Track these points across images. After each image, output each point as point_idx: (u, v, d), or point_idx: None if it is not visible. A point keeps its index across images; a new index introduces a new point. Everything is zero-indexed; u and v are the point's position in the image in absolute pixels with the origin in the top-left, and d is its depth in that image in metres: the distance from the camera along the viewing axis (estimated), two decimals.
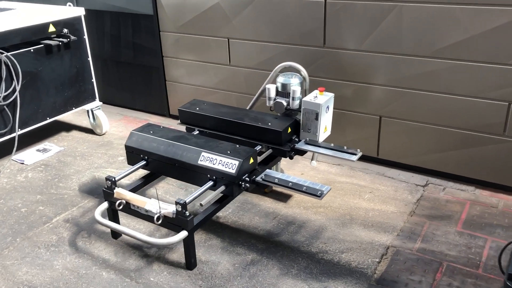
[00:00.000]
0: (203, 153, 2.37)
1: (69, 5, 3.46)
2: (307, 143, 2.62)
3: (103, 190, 2.39)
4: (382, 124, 3.06)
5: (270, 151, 2.63)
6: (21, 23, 3.09)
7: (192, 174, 2.41)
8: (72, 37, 3.38)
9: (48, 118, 3.41)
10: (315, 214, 2.68)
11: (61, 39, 3.32)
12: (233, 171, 2.26)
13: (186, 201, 2.15)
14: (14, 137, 3.16)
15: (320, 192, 2.18)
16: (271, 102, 2.79)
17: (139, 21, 3.88)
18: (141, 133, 2.60)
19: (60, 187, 3.05)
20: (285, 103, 2.74)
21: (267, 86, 2.76)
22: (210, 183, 2.33)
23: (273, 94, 2.77)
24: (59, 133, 3.84)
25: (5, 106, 3.08)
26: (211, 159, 2.34)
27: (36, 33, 3.23)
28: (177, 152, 2.44)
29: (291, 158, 2.65)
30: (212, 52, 3.59)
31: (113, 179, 2.36)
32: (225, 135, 2.75)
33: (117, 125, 3.96)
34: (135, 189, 2.53)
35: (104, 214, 2.40)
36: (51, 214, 2.76)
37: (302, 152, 2.64)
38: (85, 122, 4.03)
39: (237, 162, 2.27)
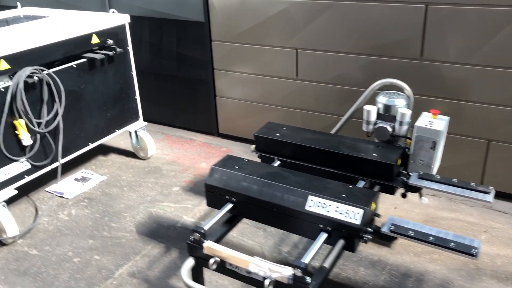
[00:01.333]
0: (311, 197, 1.93)
1: (113, 12, 3.00)
2: (421, 177, 2.19)
3: (188, 244, 1.94)
4: (490, 149, 2.64)
5: (378, 187, 2.20)
6: (62, 34, 2.63)
7: (297, 222, 1.97)
8: (118, 49, 2.91)
9: (90, 144, 2.94)
10: (431, 263, 2.25)
11: (106, 52, 2.86)
12: (357, 222, 1.82)
13: (307, 264, 1.71)
14: (53, 167, 2.72)
15: (474, 250, 1.75)
16: (371, 126, 2.36)
17: (186, 29, 3.42)
18: (225, 169, 2.15)
19: (113, 228, 2.59)
20: (389, 129, 2.31)
21: (366, 108, 2.32)
22: (324, 235, 1.89)
23: (373, 117, 2.34)
24: (95, 158, 3.37)
25: (46, 133, 2.62)
26: (323, 205, 1.90)
27: (79, 45, 2.76)
28: (275, 194, 2.00)
29: (403, 196, 2.22)
30: (276, 64, 3.15)
31: (202, 231, 1.91)
32: (316, 167, 2.31)
33: (160, 147, 3.50)
34: (219, 238, 2.09)
35: (189, 272, 1.96)
36: (111, 266, 2.30)
37: (415, 189, 2.22)
38: (124, 144, 3.56)
39: (361, 211, 1.83)
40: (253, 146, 2.54)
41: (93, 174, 3.16)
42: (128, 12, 3.28)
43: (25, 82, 2.42)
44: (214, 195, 2.17)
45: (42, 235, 2.56)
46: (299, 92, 3.13)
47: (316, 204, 1.91)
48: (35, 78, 2.45)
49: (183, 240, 2.46)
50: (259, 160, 2.50)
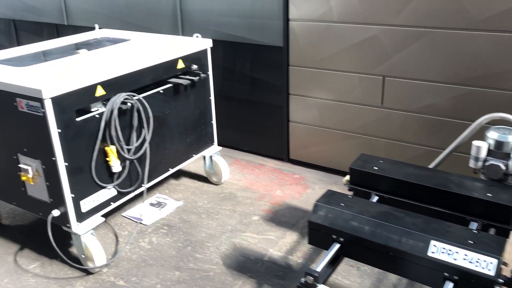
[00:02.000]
0: (433, 242, 1.80)
1: (197, 36, 2.96)
2: None
3: (300, 287, 1.84)
4: None
5: (493, 230, 2.06)
6: (152, 60, 2.59)
7: (417, 268, 1.84)
8: (202, 75, 2.87)
9: (170, 169, 2.89)
10: None
11: (190, 77, 2.82)
12: (491, 272, 1.69)
13: None
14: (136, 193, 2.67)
15: None
16: (480, 163, 2.22)
17: (262, 53, 3.36)
18: (330, 207, 2.05)
19: (198, 260, 2.51)
20: (503, 167, 2.17)
21: (476, 143, 2.19)
22: (450, 284, 1.76)
23: (483, 154, 2.21)
24: (168, 182, 3.32)
25: (134, 160, 2.57)
26: (449, 252, 1.77)
27: (166, 71, 2.72)
28: (391, 237, 1.88)
29: None
30: (358, 91, 3.05)
31: (316, 274, 1.81)
32: (421, 205, 2.19)
33: (231, 171, 3.42)
34: (325, 280, 1.98)
35: None
36: None
37: None
38: (194, 167, 3.50)
39: (495, 261, 1.69)
40: (345, 179, 2.44)
41: (168, 199, 3.10)
42: (202, 35, 3.26)
43: (119, 108, 2.39)
44: (318, 233, 2.06)
45: (127, 264, 2.49)
46: (383, 120, 3.02)
47: (440, 250, 1.78)
48: (129, 104, 2.41)
49: (273, 276, 2.36)
50: (349, 192, 2.40)
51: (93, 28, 4.19)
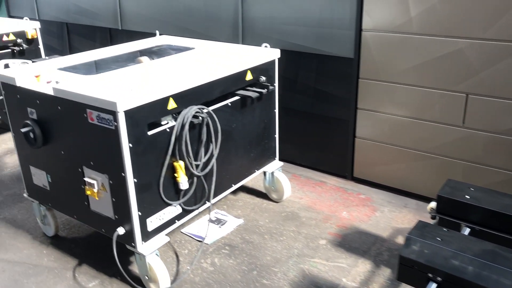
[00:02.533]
0: None
1: (265, 46, 2.82)
2: None
3: None
4: None
5: None
6: (223, 71, 2.46)
7: None
8: (271, 87, 2.72)
9: (233, 185, 2.74)
10: None
11: (259, 90, 2.67)
12: None
13: None
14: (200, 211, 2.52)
15: None
16: None
17: (329, 64, 3.18)
18: (425, 241, 1.84)
19: (266, 287, 2.34)
20: None
21: None
22: None
23: None
24: (225, 197, 3.15)
25: (202, 177, 2.44)
26: None
27: (235, 83, 2.58)
28: (500, 281, 1.67)
29: None
30: (437, 108, 2.81)
31: None
32: None
33: (291, 188, 3.25)
34: None
35: None
36: None
37: None
38: (251, 182, 3.32)
39: None
40: (429, 206, 2.23)
41: (228, 215, 2.95)
42: (257, 44, 3.10)
43: (190, 122, 2.25)
44: (411, 270, 1.85)
45: (190, 287, 2.35)
46: (463, 141, 2.78)
47: None
48: (200, 118, 2.28)
49: None
50: (431, 221, 2.19)
51: (149, 34, 4.11)
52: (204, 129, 2.36)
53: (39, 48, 4.26)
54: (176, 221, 2.39)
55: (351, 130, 3.21)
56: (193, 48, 2.91)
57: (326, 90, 3.26)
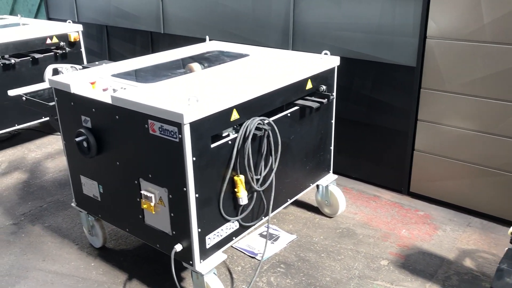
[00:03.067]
0: None
1: (325, 54, 2.68)
2: None
3: None
4: None
5: None
6: (284, 80, 2.32)
7: None
8: (331, 96, 2.58)
9: (288, 200, 2.60)
10: None
11: (319, 99, 2.53)
12: None
13: None
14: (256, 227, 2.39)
15: None
16: None
17: (388, 73, 3.01)
18: None
19: None
20: None
21: None
22: None
23: None
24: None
25: (261, 192, 2.31)
26: None
27: (296, 92, 2.44)
28: None
29: None
30: (509, 122, 2.63)
31: None
32: None
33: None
34: None
35: None
36: None
37: None
38: (301, 195, 3.21)
39: None
40: (511, 231, 2.05)
41: (280, 230, 2.81)
42: (316, 51, 2.95)
43: (253, 135, 2.13)
44: None
45: None
46: None
47: None
48: (262, 130, 2.15)
49: None
50: (510, 245, 2.01)
51: (192, 39, 4.02)
52: (265, 141, 2.23)
53: (81, 52, 4.21)
54: (233, 237, 2.26)
55: (410, 142, 3.04)
56: (248, 55, 2.79)
57: (383, 100, 3.09)
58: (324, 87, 2.57)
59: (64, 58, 4.09)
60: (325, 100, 2.52)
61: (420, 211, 3.00)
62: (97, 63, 2.85)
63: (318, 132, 2.68)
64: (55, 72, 2.96)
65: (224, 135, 2.11)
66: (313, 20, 3.26)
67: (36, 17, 6.15)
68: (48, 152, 4.07)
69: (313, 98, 2.54)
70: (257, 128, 2.14)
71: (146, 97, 2.01)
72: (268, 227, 2.34)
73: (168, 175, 2.01)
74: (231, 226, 2.23)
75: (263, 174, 2.25)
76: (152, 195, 2.10)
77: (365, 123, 3.21)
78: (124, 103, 2.03)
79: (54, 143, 4.28)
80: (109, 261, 2.61)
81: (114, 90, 2.16)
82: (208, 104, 1.93)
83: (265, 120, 2.19)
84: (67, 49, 4.05)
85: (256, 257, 2.57)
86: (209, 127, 1.96)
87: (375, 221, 2.90)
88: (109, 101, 2.10)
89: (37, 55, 3.88)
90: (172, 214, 2.07)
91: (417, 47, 2.82)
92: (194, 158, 1.92)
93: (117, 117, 2.10)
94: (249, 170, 2.15)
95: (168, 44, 4.42)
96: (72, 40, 4.08)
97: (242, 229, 2.30)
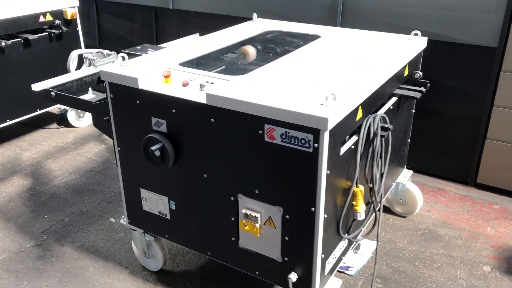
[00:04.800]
0: None
1: (415, 34, 2.33)
2: None
3: None
4: None
5: None
6: (391, 68, 1.95)
7: None
8: (428, 84, 2.24)
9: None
10: None
11: (417, 88, 2.18)
12: None
13: None
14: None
15: None
16: None
17: (460, 54, 2.69)
18: None
19: None
20: None
21: None
22: None
23: None
24: None
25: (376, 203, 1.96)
26: None
27: (396, 81, 2.09)
28: None
29: None
30: None
31: None
32: None
33: None
34: None
35: None
36: None
37: None
38: None
39: None
40: None
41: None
42: (371, 29, 2.59)
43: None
44: None
45: None
46: None
47: None
48: (387, 129, 1.79)
49: None
50: None
51: (207, 15, 3.51)
52: (379, 142, 1.87)
53: (77, 31, 3.59)
54: (342, 257, 1.92)
55: (482, 130, 2.79)
56: (319, 36, 2.39)
57: (452, 84, 2.80)
58: (420, 73, 2.23)
59: (59, 39, 3.46)
60: (423, 89, 2.19)
61: (495, 204, 2.78)
62: (138, 47, 2.34)
63: (404, 124, 2.36)
64: (83, 60, 2.42)
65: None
66: None
67: None
68: (46, 151, 3.48)
69: (409, 87, 2.20)
70: (384, 129, 1.78)
71: (258, 95, 1.58)
72: (378, 241, 2.01)
73: (286, 192, 1.61)
74: (343, 245, 1.88)
75: (380, 182, 1.90)
76: (258, 215, 1.70)
77: (426, 109, 2.91)
78: (227, 103, 1.59)
79: (48, 138, 3.67)
80: (170, 284, 2.19)
81: (202, 86, 1.71)
82: (344, 103, 1.54)
83: (384, 117, 1.83)
84: (64, 28, 3.43)
85: (346, 272, 2.25)
86: (341, 132, 1.58)
87: (454, 219, 2.65)
88: (199, 99, 1.65)
89: (30, 36, 3.24)
90: (286, 238, 1.68)
91: (501, 25, 2.54)
92: (328, 172, 1.54)
93: (212, 120, 1.66)
94: (370, 180, 1.81)
95: (178, 22, 3.88)
96: (69, 17, 3.45)
97: (348, 246, 1.96)
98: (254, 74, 1.81)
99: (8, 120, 3.27)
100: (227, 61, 2.32)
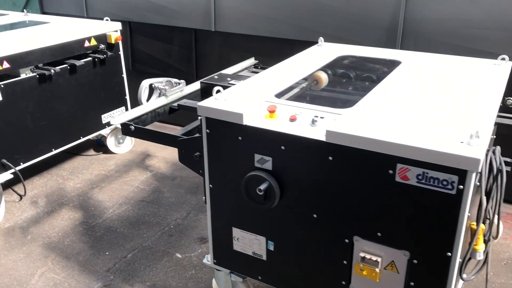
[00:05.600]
0: None
1: (503, 59, 2.24)
2: None
3: None
4: None
5: None
6: (493, 97, 1.85)
7: None
8: None
9: None
10: None
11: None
12: None
13: None
14: None
15: None
16: None
17: None
18: None
19: None
20: None
21: None
22: None
23: None
24: None
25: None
26: None
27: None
28: None
29: None
30: None
31: None
32: None
33: None
34: None
35: None
36: None
37: None
38: None
39: None
40: None
41: None
42: (434, 51, 2.50)
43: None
44: None
45: None
46: None
47: None
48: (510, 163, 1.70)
49: None
50: None
51: (255, 37, 3.38)
52: (504, 179, 1.76)
53: (119, 55, 3.49)
54: None
55: None
56: (400, 62, 2.30)
57: None
58: (511, 99, 2.15)
59: (102, 64, 3.35)
60: None
61: None
62: (216, 76, 2.24)
63: None
64: (153, 89, 2.31)
65: None
66: (433, 16, 2.81)
67: (23, 11, 5.20)
68: (89, 179, 3.34)
69: (504, 114, 2.11)
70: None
71: (387, 132, 1.47)
72: (487, 279, 1.89)
73: (417, 235, 1.50)
74: (460, 286, 1.77)
75: (492, 218, 1.80)
76: (379, 259, 1.59)
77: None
78: (351, 141, 1.48)
79: (89, 166, 3.54)
80: None
81: (314, 121, 1.61)
82: (484, 140, 1.44)
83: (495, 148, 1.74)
84: (109, 53, 3.32)
85: None
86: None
87: None
88: (313, 136, 1.55)
89: (77, 62, 3.13)
90: (411, 283, 1.57)
91: None
92: (469, 214, 1.44)
93: (330, 158, 1.55)
94: (493, 216, 1.70)
95: (219, 44, 3.79)
96: (113, 41, 3.35)
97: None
98: (364, 106, 1.70)
99: (53, 150, 3.13)
100: (302, 89, 2.23)
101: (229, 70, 2.65)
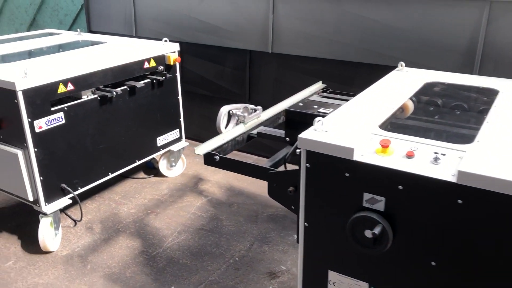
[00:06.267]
0: None
1: None
2: None
3: None
4: None
5: None
6: None
7: None
8: None
9: None
10: None
11: None
12: None
13: None
14: None
15: None
16: None
17: None
18: None
19: None
20: None
21: None
22: None
23: None
24: None
25: None
26: None
27: None
28: None
29: None
30: None
31: None
32: None
33: None
34: None
35: None
36: None
37: None
38: None
39: None
40: None
41: None
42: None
43: None
44: None
45: None
46: None
47: None
48: None
49: None
50: None
51: (317, 60, 3.23)
52: None
53: (176, 77, 3.40)
54: None
55: None
56: (497, 90, 2.12)
57: None
58: None
59: (160, 86, 3.27)
60: None
61: None
62: (301, 104, 2.11)
63: None
64: (231, 117, 2.19)
65: None
66: None
67: (70, 30, 5.20)
68: (143, 204, 3.23)
69: None
70: None
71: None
72: None
73: None
74: None
75: None
76: None
77: None
78: (488, 184, 1.33)
79: (141, 190, 3.43)
80: None
81: (437, 159, 1.46)
82: None
83: None
84: (168, 75, 3.24)
85: None
86: None
87: None
88: (437, 175, 1.39)
89: (137, 84, 3.04)
90: None
91: None
92: None
93: (459, 201, 1.39)
94: None
95: (275, 66, 3.68)
96: (172, 63, 3.26)
97: None
98: (487, 142, 1.54)
99: (110, 174, 3.03)
100: (403, 120, 2.07)
101: (299, 95, 2.52)
